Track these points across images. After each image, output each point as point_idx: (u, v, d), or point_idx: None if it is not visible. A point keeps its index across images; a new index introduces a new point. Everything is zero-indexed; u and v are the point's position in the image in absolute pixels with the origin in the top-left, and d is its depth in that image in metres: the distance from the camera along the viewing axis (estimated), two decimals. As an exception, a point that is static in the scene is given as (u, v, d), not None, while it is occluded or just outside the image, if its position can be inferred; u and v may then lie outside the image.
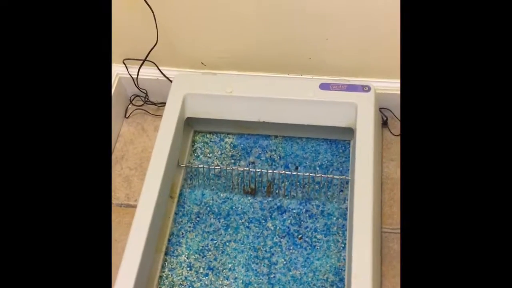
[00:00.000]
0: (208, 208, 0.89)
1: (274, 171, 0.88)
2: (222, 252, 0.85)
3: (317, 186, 0.89)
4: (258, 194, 0.90)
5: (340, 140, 0.95)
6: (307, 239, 0.85)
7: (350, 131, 0.89)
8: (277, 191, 0.89)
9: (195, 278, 0.83)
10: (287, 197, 0.89)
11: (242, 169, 0.89)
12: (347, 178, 0.87)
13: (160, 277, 0.83)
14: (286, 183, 0.89)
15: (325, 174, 0.88)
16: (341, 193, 0.89)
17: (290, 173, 0.89)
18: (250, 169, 0.89)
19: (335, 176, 0.87)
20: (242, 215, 0.88)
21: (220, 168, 0.90)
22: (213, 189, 0.91)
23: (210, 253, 0.85)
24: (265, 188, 0.90)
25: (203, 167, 0.90)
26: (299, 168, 0.93)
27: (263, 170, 0.88)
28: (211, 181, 0.91)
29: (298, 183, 0.89)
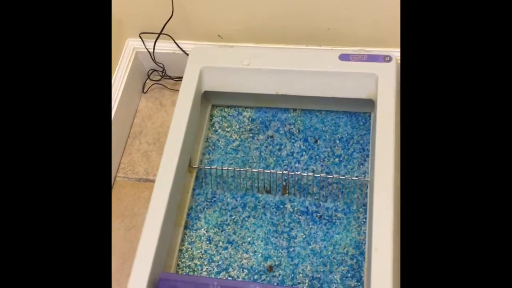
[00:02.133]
0: (226, 186, 0.89)
1: (290, 172, 0.84)
2: (241, 227, 0.85)
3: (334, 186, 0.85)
4: (273, 193, 0.87)
5: (360, 112, 0.93)
6: (326, 217, 0.84)
7: (370, 103, 0.87)
8: (293, 192, 0.86)
9: (214, 252, 0.83)
10: (303, 197, 0.86)
11: (255, 170, 0.85)
12: (366, 180, 0.83)
13: (180, 250, 0.84)
14: (302, 183, 0.86)
15: (343, 176, 0.84)
16: (361, 166, 0.88)
17: (306, 174, 0.85)
18: (265, 171, 0.85)
19: (353, 178, 0.83)
20: (259, 197, 0.87)
21: (234, 170, 0.87)
22: (225, 189, 0.88)
23: (229, 227, 0.85)
24: (280, 188, 0.87)
25: (216, 169, 0.87)
26: (318, 141, 0.91)
27: (278, 172, 0.85)
28: (223, 183, 0.88)
29: (314, 182, 0.85)
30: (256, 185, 0.87)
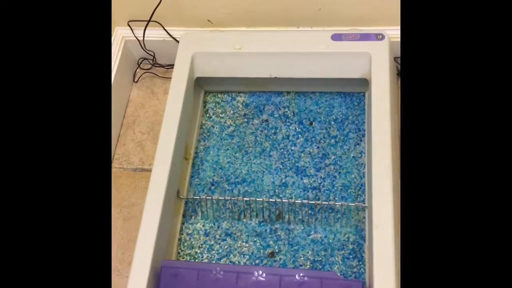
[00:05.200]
0: (223, 172, 0.88)
1: (283, 200, 0.80)
2: (238, 221, 0.83)
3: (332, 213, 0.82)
4: (267, 221, 0.83)
5: (354, 92, 0.93)
6: (325, 203, 0.81)
7: (364, 82, 0.87)
8: (287, 218, 0.82)
9: (213, 242, 0.82)
10: (299, 224, 0.81)
11: (247, 199, 0.81)
12: (363, 205, 0.79)
13: (180, 239, 0.83)
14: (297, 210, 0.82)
15: (339, 202, 0.80)
16: (357, 146, 0.87)
17: (300, 201, 0.80)
18: (257, 199, 0.80)
19: (350, 204, 0.79)
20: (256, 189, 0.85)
21: (224, 199, 0.82)
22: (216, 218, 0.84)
23: (225, 222, 0.83)
24: (274, 216, 0.82)
25: (205, 198, 0.82)
26: (313, 123, 0.91)
27: (270, 200, 0.80)
28: (213, 211, 0.84)
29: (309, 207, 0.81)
30: (248, 212, 0.83)
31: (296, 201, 0.80)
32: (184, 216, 0.85)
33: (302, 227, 0.81)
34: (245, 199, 0.82)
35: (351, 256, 0.78)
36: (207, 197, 0.83)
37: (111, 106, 0.95)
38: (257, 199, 0.81)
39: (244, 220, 0.83)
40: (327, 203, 0.80)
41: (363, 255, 0.78)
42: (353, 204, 0.79)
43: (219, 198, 0.82)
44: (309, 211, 0.81)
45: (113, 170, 0.96)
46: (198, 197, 0.83)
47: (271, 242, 0.81)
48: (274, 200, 0.81)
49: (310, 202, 0.80)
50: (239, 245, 0.81)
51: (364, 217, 0.81)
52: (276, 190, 0.85)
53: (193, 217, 0.84)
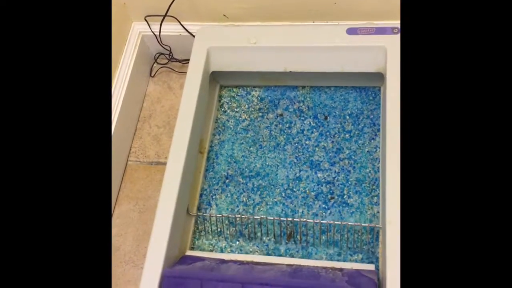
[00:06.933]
0: (237, 165, 0.88)
1: (294, 219, 0.79)
2: (252, 219, 0.82)
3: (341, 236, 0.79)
4: (279, 241, 0.81)
5: (369, 87, 0.92)
6: (337, 223, 0.79)
7: (380, 77, 0.86)
8: (298, 239, 0.80)
9: (225, 244, 0.82)
10: (309, 244, 0.80)
11: (258, 217, 0.80)
12: (377, 226, 0.77)
13: (194, 231, 0.84)
14: (308, 229, 0.80)
15: (352, 223, 0.78)
16: (372, 141, 0.87)
17: (312, 221, 0.79)
18: (268, 218, 0.79)
19: (363, 224, 0.77)
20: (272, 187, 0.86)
21: (235, 216, 0.81)
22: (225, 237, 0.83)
23: (239, 219, 0.83)
24: (285, 235, 0.81)
25: (216, 216, 0.81)
26: (328, 117, 0.91)
27: (282, 218, 0.79)
28: (223, 230, 0.83)
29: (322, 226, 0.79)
30: (259, 231, 0.82)
31: (309, 220, 0.79)
32: (199, 209, 0.86)
33: (315, 224, 0.81)
34: (255, 217, 0.80)
35: (365, 262, 0.78)
36: (217, 215, 0.82)
37: (127, 100, 0.96)
38: (268, 218, 0.80)
39: (255, 241, 0.82)
40: (339, 222, 0.78)
41: (377, 256, 0.78)
42: (367, 225, 0.78)
43: (229, 215, 0.82)
44: (320, 232, 0.80)
45: (129, 163, 0.98)
46: (208, 215, 0.82)
47: (283, 248, 0.81)
48: (285, 219, 0.80)
49: (322, 221, 0.79)
50: (250, 248, 0.81)
51: (378, 212, 0.80)
52: (290, 184, 0.85)
53: (202, 233, 0.84)
